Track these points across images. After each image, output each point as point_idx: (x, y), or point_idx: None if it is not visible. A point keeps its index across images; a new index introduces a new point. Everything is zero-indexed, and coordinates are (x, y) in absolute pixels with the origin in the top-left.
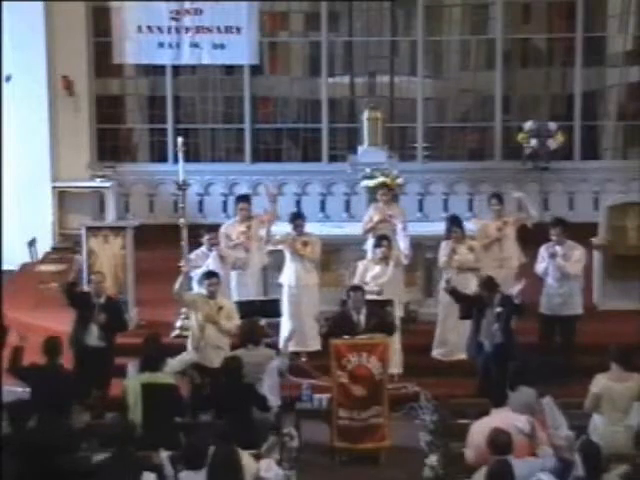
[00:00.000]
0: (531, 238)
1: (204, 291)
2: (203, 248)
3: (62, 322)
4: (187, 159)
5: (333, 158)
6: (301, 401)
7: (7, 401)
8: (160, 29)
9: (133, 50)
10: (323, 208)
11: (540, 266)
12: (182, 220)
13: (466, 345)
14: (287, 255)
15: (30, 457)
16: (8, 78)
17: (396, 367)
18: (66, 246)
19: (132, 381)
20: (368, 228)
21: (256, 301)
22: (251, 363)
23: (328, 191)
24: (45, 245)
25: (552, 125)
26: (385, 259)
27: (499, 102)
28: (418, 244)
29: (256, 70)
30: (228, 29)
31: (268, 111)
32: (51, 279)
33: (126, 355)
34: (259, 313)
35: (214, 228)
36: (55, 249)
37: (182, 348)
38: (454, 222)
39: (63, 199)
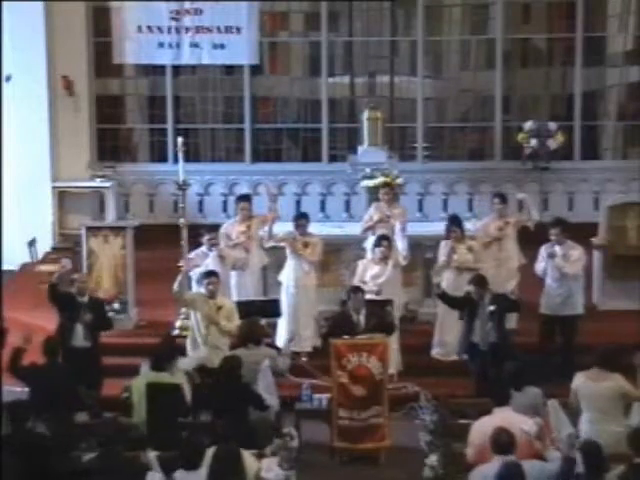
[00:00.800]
0: (531, 238)
1: (204, 290)
2: (203, 248)
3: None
4: (187, 159)
5: (333, 158)
6: (301, 401)
7: (6, 401)
8: (160, 29)
9: (133, 50)
10: (323, 208)
11: (539, 266)
12: (182, 220)
13: (460, 346)
14: (287, 254)
15: (27, 457)
16: (8, 78)
17: (394, 367)
18: (66, 246)
19: (137, 380)
20: (367, 227)
21: (256, 301)
22: (252, 362)
23: (328, 191)
24: (45, 245)
25: (552, 125)
26: (385, 259)
27: (499, 102)
28: (418, 244)
29: (256, 70)
30: (228, 29)
31: (268, 111)
32: (51, 279)
33: (126, 355)
34: (259, 313)
35: (214, 228)
36: (55, 249)
37: (182, 348)
38: (454, 222)
39: (63, 199)
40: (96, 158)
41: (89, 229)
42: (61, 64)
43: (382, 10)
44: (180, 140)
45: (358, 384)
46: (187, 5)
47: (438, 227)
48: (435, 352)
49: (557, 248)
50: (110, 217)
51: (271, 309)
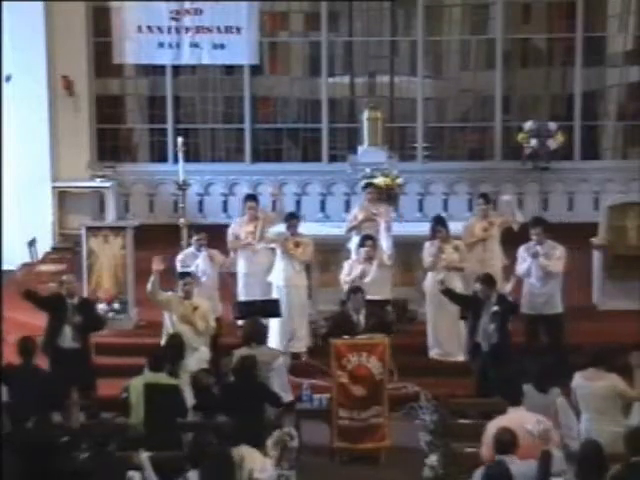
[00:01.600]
0: (511, 239)
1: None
2: (191, 248)
3: None
4: (187, 159)
5: (333, 158)
6: (301, 401)
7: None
8: (160, 29)
9: (133, 50)
10: (323, 208)
11: (521, 267)
12: (182, 220)
13: (465, 347)
14: (278, 254)
15: (25, 456)
16: (8, 78)
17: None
18: (66, 246)
19: (135, 381)
20: (351, 227)
21: (256, 301)
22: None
23: (328, 191)
24: (45, 245)
25: (552, 125)
26: (369, 259)
27: (499, 102)
28: (417, 244)
29: (256, 70)
30: (228, 29)
31: (268, 111)
32: (51, 279)
33: (125, 355)
34: (259, 313)
35: (214, 228)
36: (55, 249)
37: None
38: (439, 222)
39: (63, 199)
40: (96, 158)
41: (89, 229)
42: (61, 64)
43: (382, 10)
44: (180, 140)
45: (358, 384)
46: (187, 5)
47: None
48: (433, 353)
49: (539, 248)
50: (110, 217)
51: (272, 309)
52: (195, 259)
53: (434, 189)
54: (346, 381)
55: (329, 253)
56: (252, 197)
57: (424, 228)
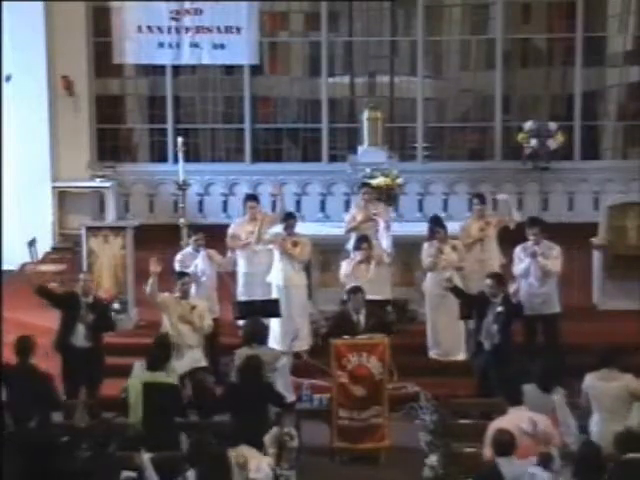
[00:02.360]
0: (509, 239)
1: (176, 294)
2: (189, 249)
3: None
4: (187, 159)
5: (333, 158)
6: (301, 401)
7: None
8: (160, 29)
9: (133, 50)
10: (323, 208)
11: (519, 267)
12: (182, 220)
13: (467, 345)
14: (276, 255)
15: (20, 457)
16: (8, 78)
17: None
18: (66, 246)
19: (134, 380)
20: (350, 227)
21: (256, 301)
22: None
23: (328, 191)
24: (45, 245)
25: (552, 125)
26: (367, 259)
27: (499, 102)
28: (417, 244)
29: (256, 70)
30: (228, 29)
31: (268, 111)
32: (51, 279)
33: (125, 355)
34: (259, 313)
35: (214, 228)
36: (55, 249)
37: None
38: (437, 223)
39: (63, 199)
40: (96, 158)
41: (89, 229)
42: (61, 64)
43: (382, 10)
44: (180, 140)
45: (358, 384)
46: (187, 5)
47: None
48: (433, 353)
49: (536, 248)
50: (110, 217)
51: (271, 309)
52: (194, 259)
53: (434, 189)
54: (346, 381)
55: (329, 253)
56: (253, 197)
57: (424, 228)
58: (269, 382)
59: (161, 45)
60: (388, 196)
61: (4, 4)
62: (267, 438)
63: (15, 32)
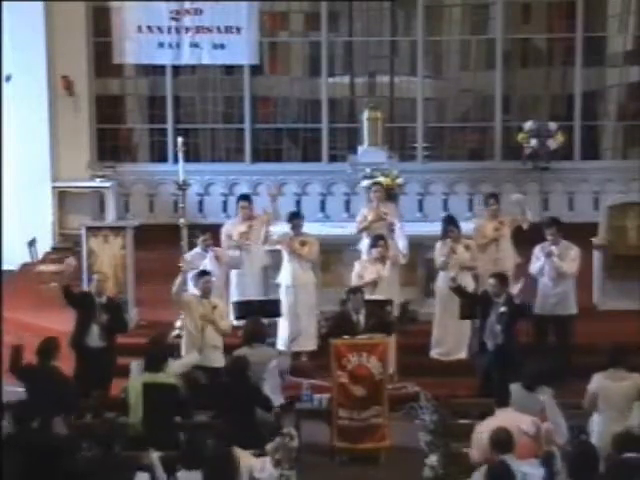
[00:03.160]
0: (526, 238)
1: (196, 292)
2: (198, 249)
3: (62, 322)
4: (187, 159)
5: (333, 158)
6: (301, 401)
7: (11, 401)
8: (160, 29)
9: (133, 50)
10: (323, 208)
11: (535, 266)
12: (182, 220)
13: (469, 344)
14: (285, 255)
15: (29, 457)
16: (8, 78)
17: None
18: (66, 246)
19: (134, 381)
20: (362, 227)
21: (256, 301)
22: (256, 362)
23: (328, 191)
24: (45, 245)
25: (552, 125)
26: (382, 258)
27: (499, 102)
28: (418, 244)
29: (256, 70)
30: (228, 29)
31: (268, 111)
32: (51, 279)
33: (126, 355)
34: (259, 313)
35: (213, 228)
36: (55, 249)
37: (173, 350)
38: (450, 222)
39: (63, 199)
40: (96, 158)
41: (89, 229)
42: (61, 64)
43: (382, 10)
44: (180, 140)
45: (358, 384)
46: (187, 5)
47: (438, 227)
48: (434, 352)
49: (554, 248)
50: (110, 217)
51: (271, 309)
52: (202, 259)
53: (434, 189)
54: (346, 381)
55: (329, 253)
56: (245, 197)
57: (424, 228)
58: (255, 384)
59: (161, 45)
60: (388, 196)
61: (4, 4)
62: (270, 447)
63: (15, 32)
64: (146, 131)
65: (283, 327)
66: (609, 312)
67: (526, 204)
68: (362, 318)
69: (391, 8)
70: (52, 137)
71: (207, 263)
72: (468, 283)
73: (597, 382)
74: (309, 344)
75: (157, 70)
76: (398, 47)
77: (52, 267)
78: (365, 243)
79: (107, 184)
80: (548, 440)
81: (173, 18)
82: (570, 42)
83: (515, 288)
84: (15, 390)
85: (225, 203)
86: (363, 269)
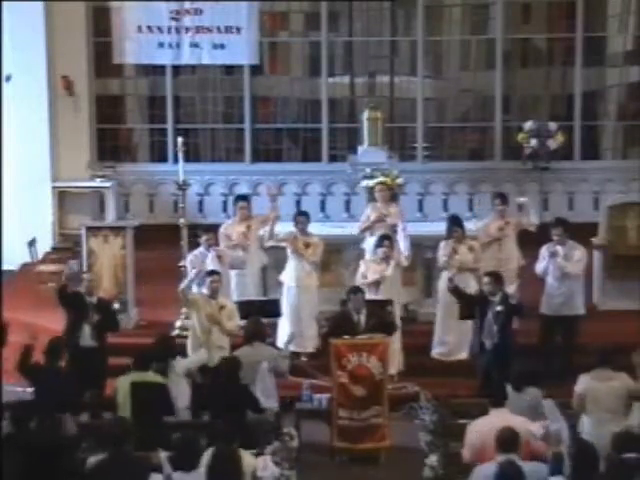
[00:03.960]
0: (531, 239)
1: (205, 291)
2: (201, 249)
3: (62, 322)
4: (187, 159)
5: (333, 158)
6: (301, 401)
7: (10, 401)
8: (160, 29)
9: (133, 50)
10: (323, 208)
11: (540, 266)
12: (182, 220)
13: (470, 345)
14: (288, 254)
15: (30, 457)
16: (8, 78)
17: (394, 367)
18: (66, 246)
19: (122, 379)
20: (364, 227)
21: (256, 301)
22: (257, 361)
23: (328, 191)
24: (45, 245)
25: (552, 125)
26: (387, 259)
27: (499, 102)
28: (418, 244)
29: (256, 70)
30: (228, 29)
31: (268, 111)
32: (51, 279)
33: (126, 355)
34: (259, 313)
35: (213, 228)
36: (55, 249)
37: (181, 348)
38: (455, 222)
39: (63, 199)
40: (96, 158)
41: (89, 229)
42: (61, 64)
43: (382, 10)
44: (180, 140)
45: (358, 384)
46: (187, 5)
47: (438, 227)
48: (435, 352)
49: (559, 248)
50: (110, 217)
51: (271, 309)
52: (205, 259)
53: (434, 189)
54: (346, 381)
55: (329, 253)
56: (243, 198)
57: (424, 228)
58: (245, 385)
59: (161, 45)
60: (391, 197)
61: (4, 4)
62: (269, 450)
63: (15, 32)
64: (146, 131)
65: (283, 327)
66: (609, 312)
67: (532, 207)
68: (363, 318)
69: (391, 8)
70: (52, 137)
71: (209, 263)
72: (471, 284)
73: (584, 383)
74: (309, 345)
75: (157, 70)
76: (398, 47)
77: (52, 267)
78: (369, 242)
79: (107, 184)
80: (556, 441)
81: (173, 18)
82: (570, 42)
83: (512, 287)
84: (14, 390)
85: (225, 203)
86: (367, 269)
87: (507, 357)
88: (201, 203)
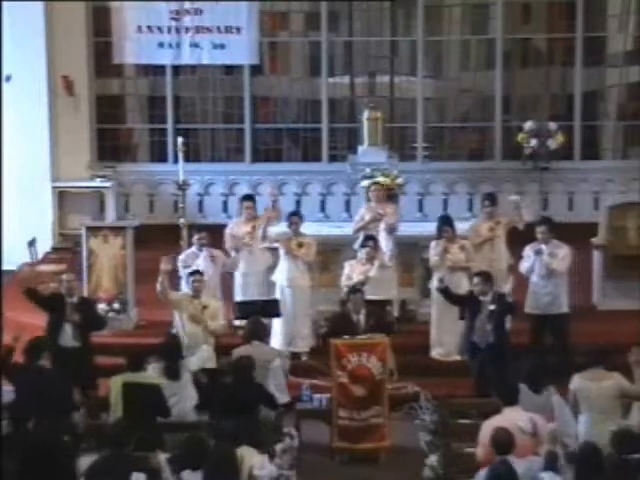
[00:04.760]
0: (520, 239)
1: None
2: (193, 248)
3: None
4: (187, 159)
5: (333, 158)
6: (301, 401)
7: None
8: (160, 29)
9: (133, 50)
10: (323, 208)
11: (524, 265)
12: (182, 220)
13: (459, 345)
14: (281, 254)
15: (26, 458)
16: (8, 78)
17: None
18: (66, 246)
19: (115, 379)
20: (358, 227)
21: (256, 301)
22: (257, 360)
23: (328, 191)
24: (45, 245)
25: (552, 125)
26: (371, 259)
27: (499, 102)
28: (416, 244)
29: (256, 70)
30: (228, 29)
31: (268, 111)
32: (51, 279)
33: (125, 355)
34: (259, 313)
35: (213, 228)
36: (55, 249)
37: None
38: (445, 222)
39: (63, 199)
40: (96, 158)
41: (89, 229)
42: (61, 64)
43: (382, 10)
44: (180, 140)
45: (358, 384)
46: (187, 5)
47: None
48: (435, 352)
49: (543, 247)
50: (110, 217)
51: (271, 309)
52: (196, 258)
53: (434, 189)
54: (346, 381)
55: (329, 253)
56: (249, 197)
57: (424, 228)
58: (260, 383)
59: (161, 45)
60: (388, 196)
61: (4, 4)
62: (279, 447)
63: (15, 32)
64: (146, 131)
65: (277, 327)
66: (609, 312)
67: (523, 205)
68: (362, 318)
69: (391, 8)
70: (52, 137)
71: (200, 262)
72: (463, 284)
73: (576, 383)
74: (303, 345)
75: (157, 70)
76: (398, 47)
77: (52, 267)
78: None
79: (107, 184)
80: (552, 440)
81: (173, 18)
82: (570, 42)
83: (507, 287)
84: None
85: (225, 203)
86: (352, 270)
87: (503, 356)
88: (201, 203)
